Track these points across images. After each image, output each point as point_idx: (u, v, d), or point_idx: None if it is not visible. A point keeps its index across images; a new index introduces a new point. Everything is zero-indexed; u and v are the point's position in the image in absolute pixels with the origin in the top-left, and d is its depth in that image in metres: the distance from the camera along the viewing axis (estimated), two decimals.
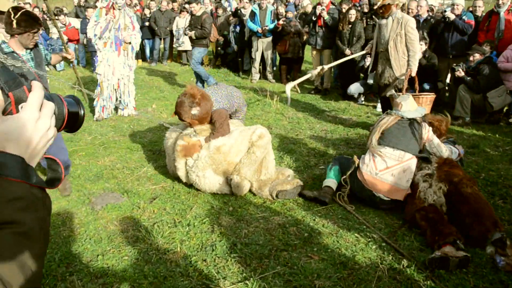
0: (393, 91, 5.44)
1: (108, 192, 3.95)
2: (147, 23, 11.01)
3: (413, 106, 3.87)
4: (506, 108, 6.55)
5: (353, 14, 7.62)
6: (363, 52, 6.31)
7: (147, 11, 11.43)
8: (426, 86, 6.93)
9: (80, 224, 3.38)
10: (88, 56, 11.21)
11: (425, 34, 7.19)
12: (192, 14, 8.20)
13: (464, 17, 6.90)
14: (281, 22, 8.67)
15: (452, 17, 6.82)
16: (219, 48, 10.72)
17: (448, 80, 7.35)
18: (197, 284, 2.64)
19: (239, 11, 10.05)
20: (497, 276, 2.75)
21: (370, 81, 7.30)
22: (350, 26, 7.66)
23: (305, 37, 8.88)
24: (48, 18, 11.24)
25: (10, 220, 0.66)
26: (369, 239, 3.15)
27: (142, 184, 4.14)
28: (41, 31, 5.08)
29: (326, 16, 7.94)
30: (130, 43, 6.12)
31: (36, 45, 3.82)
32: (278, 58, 9.76)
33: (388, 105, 5.73)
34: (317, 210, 3.63)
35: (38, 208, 0.71)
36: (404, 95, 4.22)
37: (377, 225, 3.40)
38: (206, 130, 3.98)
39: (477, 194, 3.25)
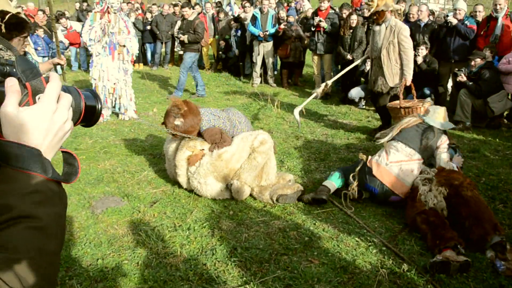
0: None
1: (109, 196, 3.95)
2: (148, 27, 11.06)
3: (439, 116, 3.97)
4: (506, 112, 6.56)
5: (354, 19, 7.64)
6: (364, 57, 6.31)
7: (149, 15, 11.49)
8: (427, 91, 6.94)
9: (80, 228, 3.38)
10: (89, 59, 11.21)
11: (426, 38, 7.21)
12: (184, 18, 8.19)
13: (466, 22, 6.91)
14: (282, 26, 8.70)
15: (455, 21, 6.83)
16: (220, 52, 10.75)
17: (449, 85, 7.36)
18: None
19: (240, 17, 10.10)
20: (497, 280, 2.75)
21: None
22: (351, 31, 7.68)
23: (306, 42, 8.90)
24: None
25: (26, 214, 0.64)
26: (370, 243, 3.15)
27: (143, 188, 4.14)
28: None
29: (325, 26, 7.98)
30: (125, 46, 6.14)
31: (24, 54, 3.80)
32: (279, 62, 9.78)
33: (386, 114, 5.73)
34: (318, 214, 3.63)
35: (55, 203, 0.69)
36: (437, 106, 4.31)
37: (378, 229, 3.40)
38: (197, 145, 3.96)
39: (477, 197, 3.26)
